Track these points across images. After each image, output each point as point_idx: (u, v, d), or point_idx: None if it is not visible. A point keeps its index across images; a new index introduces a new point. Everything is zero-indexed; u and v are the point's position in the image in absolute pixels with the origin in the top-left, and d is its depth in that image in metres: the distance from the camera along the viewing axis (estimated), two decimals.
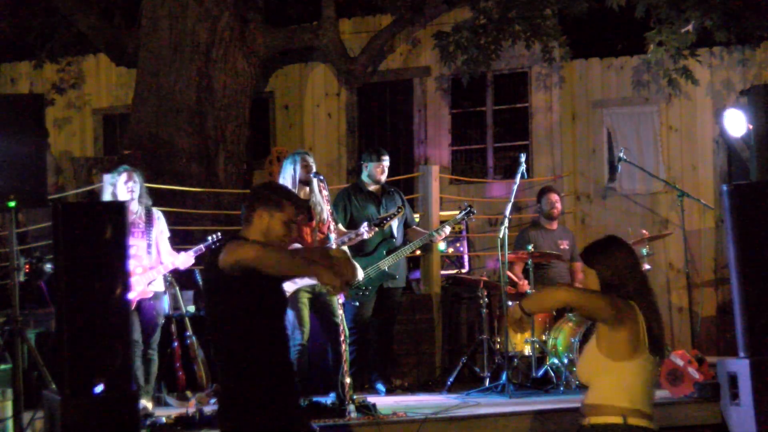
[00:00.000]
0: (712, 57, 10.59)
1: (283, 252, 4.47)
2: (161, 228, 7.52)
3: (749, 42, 10.35)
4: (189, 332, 8.09)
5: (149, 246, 7.34)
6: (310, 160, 7.42)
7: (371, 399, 6.88)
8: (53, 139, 12.37)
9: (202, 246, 7.43)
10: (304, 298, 7.19)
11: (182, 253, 7.35)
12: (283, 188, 4.77)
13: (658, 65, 10.47)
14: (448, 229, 8.27)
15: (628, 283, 4.28)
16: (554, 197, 9.07)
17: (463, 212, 8.36)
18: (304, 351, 7.17)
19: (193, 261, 7.44)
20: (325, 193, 7.14)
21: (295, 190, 7.19)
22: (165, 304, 7.72)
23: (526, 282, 8.60)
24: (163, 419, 6.55)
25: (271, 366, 4.48)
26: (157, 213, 7.55)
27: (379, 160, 8.16)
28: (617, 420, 4.19)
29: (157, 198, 9.39)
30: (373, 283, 7.97)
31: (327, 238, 7.08)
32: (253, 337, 4.47)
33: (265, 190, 4.68)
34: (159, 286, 7.44)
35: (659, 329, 4.30)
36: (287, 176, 7.36)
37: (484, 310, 8.37)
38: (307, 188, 7.36)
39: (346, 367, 6.69)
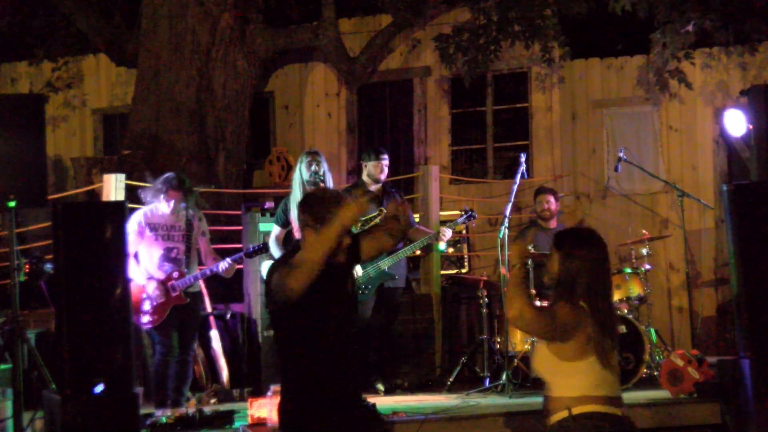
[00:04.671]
0: (711, 58, 10.60)
1: (303, 254, 4.39)
2: (203, 229, 7.50)
3: (748, 42, 10.35)
4: None
5: (189, 249, 7.34)
6: (318, 160, 7.44)
7: (371, 399, 6.85)
8: (52, 138, 12.37)
9: (242, 254, 7.43)
10: None
11: (225, 261, 7.32)
12: (325, 199, 4.53)
13: (656, 66, 10.48)
14: (449, 233, 8.25)
15: (586, 281, 4.23)
16: (546, 198, 8.99)
17: (464, 216, 8.34)
18: None
19: (234, 269, 7.42)
20: None
21: (303, 191, 7.25)
22: (202, 305, 7.77)
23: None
24: (163, 419, 6.54)
25: (329, 383, 4.46)
26: (199, 214, 7.50)
27: (378, 159, 8.15)
28: (563, 414, 4.21)
29: None
30: (372, 283, 7.97)
31: None
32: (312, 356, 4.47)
33: (307, 205, 4.54)
34: (195, 287, 7.43)
35: (608, 334, 4.23)
36: (295, 178, 7.42)
37: (484, 310, 8.37)
38: (313, 188, 7.36)
39: None
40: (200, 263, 7.54)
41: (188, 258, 7.36)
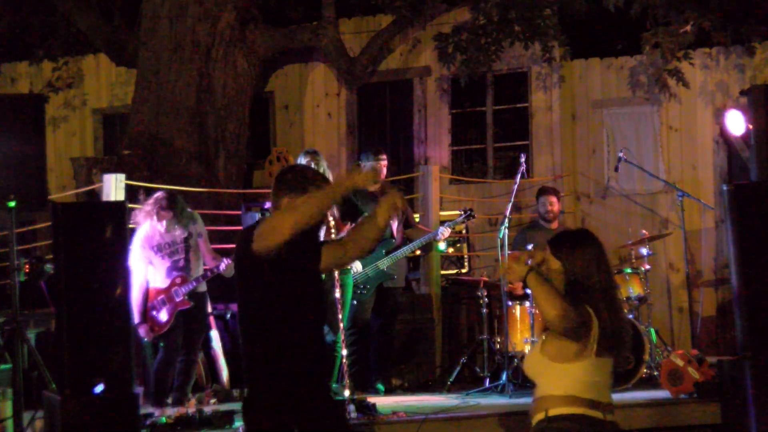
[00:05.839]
0: (710, 58, 10.59)
1: (306, 199, 4.29)
2: (199, 230, 7.55)
3: (748, 42, 10.35)
4: None
5: (189, 254, 7.44)
6: (317, 159, 7.44)
7: (371, 399, 6.87)
8: (52, 138, 12.37)
9: None
10: None
11: (224, 261, 7.38)
12: (307, 171, 4.54)
13: (654, 66, 10.48)
14: (447, 231, 8.26)
15: (590, 282, 4.19)
16: (550, 199, 8.99)
17: (463, 215, 8.35)
18: None
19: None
20: None
21: None
22: (207, 304, 7.83)
23: (520, 285, 8.58)
24: (163, 419, 6.55)
25: (298, 354, 4.37)
26: (193, 216, 7.57)
27: (376, 159, 8.14)
28: (540, 416, 4.16)
29: None
30: (371, 283, 7.97)
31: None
32: (283, 323, 4.37)
33: (289, 174, 4.50)
34: (200, 286, 7.54)
35: (616, 332, 4.18)
36: None
37: (484, 310, 8.37)
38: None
39: (345, 366, 6.68)
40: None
41: (190, 263, 7.46)
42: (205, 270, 7.47)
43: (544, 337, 4.27)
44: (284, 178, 4.48)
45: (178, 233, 7.39)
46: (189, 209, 7.60)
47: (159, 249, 7.37)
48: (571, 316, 4.09)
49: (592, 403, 4.17)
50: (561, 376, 4.17)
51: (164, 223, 7.34)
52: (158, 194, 7.45)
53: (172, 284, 7.33)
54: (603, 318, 4.16)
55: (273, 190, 4.49)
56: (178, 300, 7.32)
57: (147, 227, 7.38)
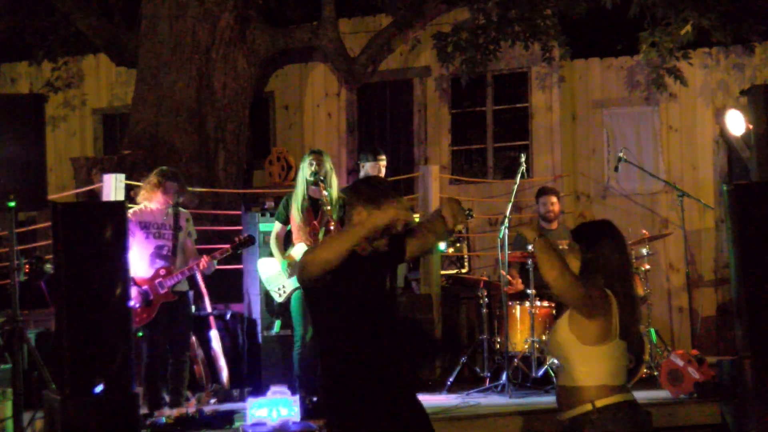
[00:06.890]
0: (710, 58, 10.60)
1: (337, 234, 4.26)
2: (189, 230, 7.50)
3: (748, 42, 10.35)
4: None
5: (175, 247, 7.34)
6: (320, 160, 7.42)
7: None
8: (52, 138, 12.38)
9: (226, 249, 7.42)
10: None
11: (204, 257, 7.32)
12: (384, 185, 4.43)
13: (651, 65, 10.48)
14: None
15: (610, 270, 4.28)
16: (550, 199, 8.99)
17: None
18: (308, 348, 7.14)
19: (215, 266, 7.42)
20: (325, 193, 7.13)
21: (305, 190, 7.25)
22: (191, 303, 7.73)
23: (519, 281, 8.62)
24: (163, 419, 6.55)
25: (369, 363, 4.29)
26: (186, 214, 7.52)
27: (375, 159, 8.10)
28: (587, 408, 4.22)
29: None
30: None
31: None
32: (348, 335, 4.31)
33: (365, 186, 4.43)
34: (183, 285, 7.39)
35: (632, 322, 4.30)
36: (299, 177, 7.41)
37: (484, 310, 8.37)
38: (315, 188, 7.33)
39: None
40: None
41: (176, 258, 7.35)
42: (191, 266, 7.39)
43: (567, 314, 4.32)
44: (358, 190, 4.42)
45: (170, 221, 7.31)
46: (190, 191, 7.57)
47: (145, 226, 7.23)
48: (570, 280, 4.18)
49: (625, 388, 4.29)
50: (591, 361, 4.22)
51: (169, 196, 7.28)
52: (162, 167, 7.43)
53: (156, 275, 7.22)
54: (620, 301, 4.24)
55: (348, 200, 4.43)
56: (162, 291, 7.19)
57: (140, 205, 7.33)
